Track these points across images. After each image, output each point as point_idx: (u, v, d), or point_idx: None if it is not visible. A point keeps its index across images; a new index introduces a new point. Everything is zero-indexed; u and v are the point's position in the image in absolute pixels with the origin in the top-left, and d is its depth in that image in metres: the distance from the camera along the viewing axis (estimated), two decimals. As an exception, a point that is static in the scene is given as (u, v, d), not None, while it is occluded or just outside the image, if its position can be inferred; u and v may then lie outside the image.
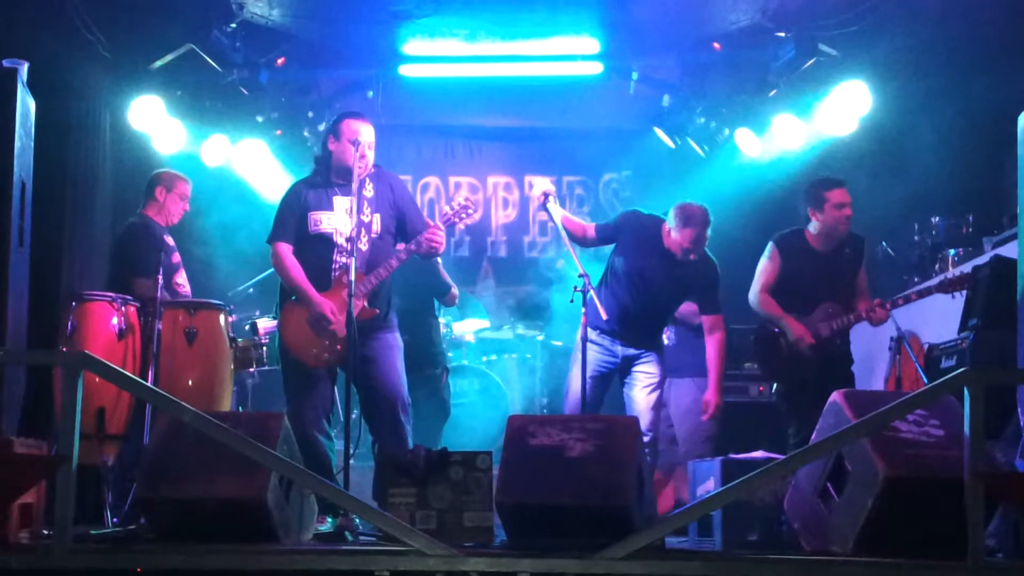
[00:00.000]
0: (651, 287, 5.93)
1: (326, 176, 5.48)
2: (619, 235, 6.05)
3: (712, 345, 6.07)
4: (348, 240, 5.23)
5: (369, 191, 5.44)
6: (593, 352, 5.88)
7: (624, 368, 6.00)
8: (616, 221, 6.15)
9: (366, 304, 5.31)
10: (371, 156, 5.45)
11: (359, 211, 5.34)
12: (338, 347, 5.27)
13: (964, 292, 5.72)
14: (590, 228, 6.11)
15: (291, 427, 5.27)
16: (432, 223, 5.41)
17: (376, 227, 5.42)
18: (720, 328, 6.09)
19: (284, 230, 5.44)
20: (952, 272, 5.77)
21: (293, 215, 5.44)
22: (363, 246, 5.36)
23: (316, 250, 5.39)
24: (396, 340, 5.50)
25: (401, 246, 5.46)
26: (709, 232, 5.90)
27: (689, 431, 7.00)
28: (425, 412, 6.52)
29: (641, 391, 5.94)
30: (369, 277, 5.31)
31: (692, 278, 5.99)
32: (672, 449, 7.05)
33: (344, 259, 5.31)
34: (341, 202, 5.40)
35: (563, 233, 5.93)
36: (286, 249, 5.41)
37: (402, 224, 5.50)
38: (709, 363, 6.12)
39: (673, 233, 5.87)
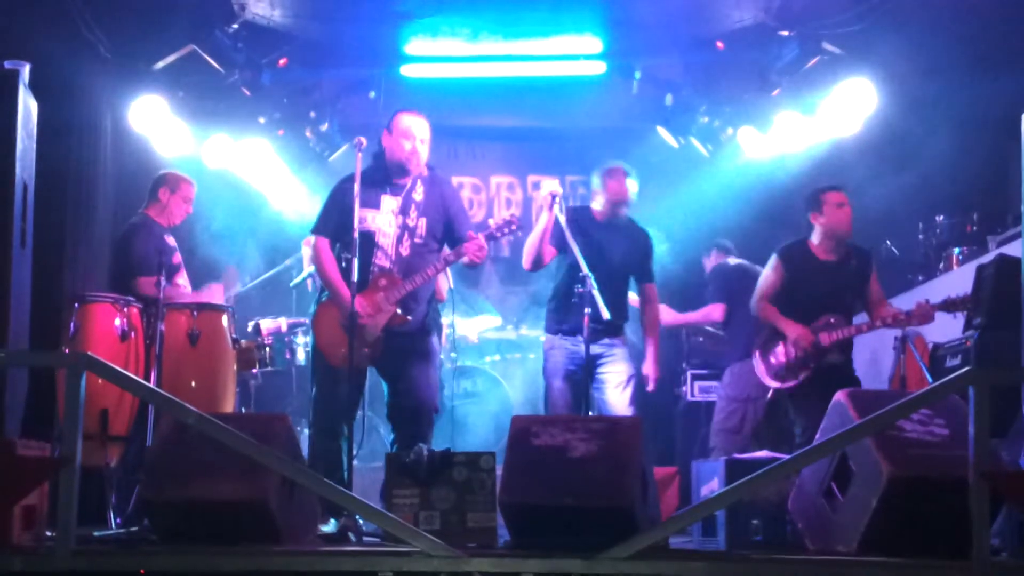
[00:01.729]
0: (597, 264, 5.73)
1: (379, 173, 5.39)
2: (567, 230, 5.83)
3: (652, 314, 6.10)
4: (356, 239, 5.10)
5: (419, 194, 5.39)
6: (559, 355, 5.90)
7: (590, 367, 5.84)
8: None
9: (398, 310, 5.25)
10: (425, 151, 5.41)
11: (405, 214, 5.33)
12: (366, 349, 5.19)
13: (964, 313, 5.74)
14: (546, 242, 5.90)
15: (310, 424, 5.29)
16: (475, 236, 5.28)
17: (421, 231, 5.36)
18: (656, 298, 6.15)
19: (325, 224, 5.41)
20: (955, 293, 5.75)
21: (336, 210, 5.37)
22: (404, 250, 5.32)
23: (357, 247, 5.23)
24: (432, 345, 5.43)
25: (447, 252, 5.39)
26: (633, 182, 5.99)
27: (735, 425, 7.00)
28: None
29: (614, 390, 5.87)
30: (404, 283, 5.24)
31: (629, 245, 6.01)
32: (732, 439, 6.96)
33: (383, 261, 5.27)
34: (388, 202, 5.34)
35: (556, 232, 5.87)
36: (324, 243, 5.39)
37: (450, 230, 5.42)
38: (648, 333, 6.09)
39: (600, 194, 5.98)
